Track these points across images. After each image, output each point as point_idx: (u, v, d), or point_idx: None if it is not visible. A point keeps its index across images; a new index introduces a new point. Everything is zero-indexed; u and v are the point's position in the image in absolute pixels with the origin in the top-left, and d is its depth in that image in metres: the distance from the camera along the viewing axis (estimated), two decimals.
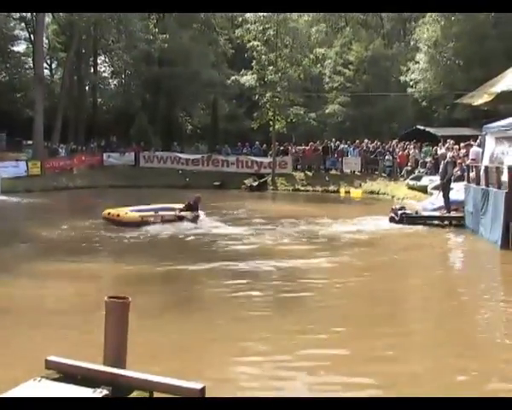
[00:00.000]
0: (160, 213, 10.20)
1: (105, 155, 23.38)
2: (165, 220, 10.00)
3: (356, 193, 19.95)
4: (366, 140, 22.96)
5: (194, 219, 10.11)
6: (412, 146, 20.94)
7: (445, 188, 11.07)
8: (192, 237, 9.08)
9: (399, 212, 10.82)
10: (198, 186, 20.87)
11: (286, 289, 5.53)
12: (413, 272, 7.29)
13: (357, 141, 23.04)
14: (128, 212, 10.42)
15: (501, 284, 6.44)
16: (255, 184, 21.43)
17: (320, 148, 23.09)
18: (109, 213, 10.41)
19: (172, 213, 10.32)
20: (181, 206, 10.72)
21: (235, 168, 23.14)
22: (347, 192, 20.33)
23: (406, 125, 23.80)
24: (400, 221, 10.64)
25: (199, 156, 23.90)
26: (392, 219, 10.83)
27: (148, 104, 26.95)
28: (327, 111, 26.82)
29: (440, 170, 11.69)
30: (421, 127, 21.81)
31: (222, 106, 27.76)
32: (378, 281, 6.19)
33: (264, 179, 22.01)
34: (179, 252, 8.03)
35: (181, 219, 10.08)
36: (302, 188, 21.52)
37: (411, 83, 24.31)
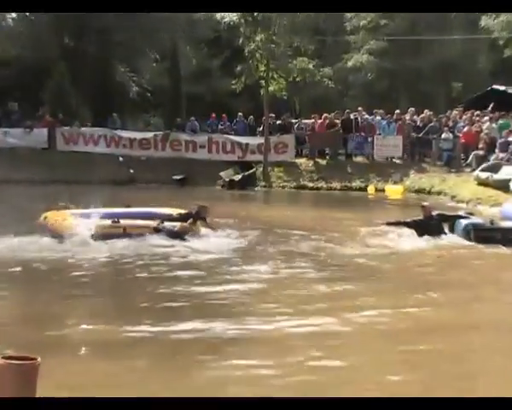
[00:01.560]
0: (125, 222, 10.54)
1: None
2: (130, 234, 10.35)
3: (394, 191, 20.35)
4: (411, 110, 23.18)
5: (177, 234, 10.50)
6: (486, 118, 21.25)
7: None
8: (153, 266, 9.02)
9: (463, 222, 11.29)
10: (149, 181, 21.20)
11: None
12: None
13: (397, 111, 23.22)
14: (70, 217, 10.76)
15: None
16: (238, 178, 21.77)
17: (339, 121, 23.33)
18: (45, 218, 10.82)
19: (151, 223, 10.66)
20: (175, 213, 11.32)
21: (207, 154, 23.48)
22: (379, 190, 20.77)
23: (476, 85, 24.36)
24: (467, 236, 11.05)
25: (150, 135, 24.15)
26: (451, 231, 11.47)
27: (70, 53, 26.31)
28: (349, 64, 27.84)
29: None
30: (501, 88, 22.19)
31: (186, 56, 28.08)
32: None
33: (251, 171, 22.39)
34: (110, 296, 7.90)
35: (157, 231, 10.53)
36: (310, 184, 21.86)
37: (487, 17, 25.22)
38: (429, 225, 11.08)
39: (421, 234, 11.04)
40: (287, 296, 7.59)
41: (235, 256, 9.70)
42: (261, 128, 23.67)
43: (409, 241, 10.99)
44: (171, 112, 26.65)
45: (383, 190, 20.50)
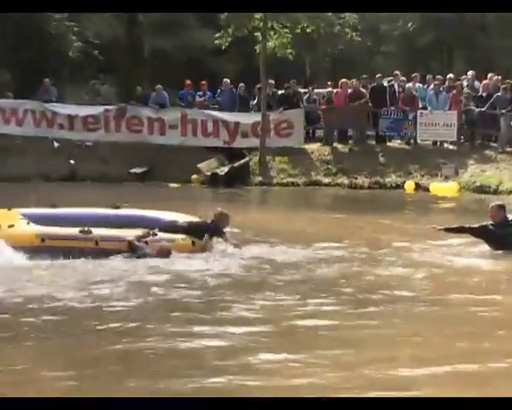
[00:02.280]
0: (99, 232, 10.88)
1: None
2: (104, 249, 10.64)
3: (445, 189, 20.37)
4: (470, 73, 23.31)
5: (160, 253, 10.69)
6: None
7: None
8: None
9: None
10: (96, 176, 21.20)
11: None
12: None
13: (450, 76, 23.47)
14: (22, 221, 11.18)
15: None
16: (223, 171, 21.77)
17: (366, 91, 23.35)
18: None
19: (128, 236, 10.86)
20: (182, 220, 11.63)
21: (179, 137, 23.55)
22: (422, 188, 20.83)
23: None
24: None
25: (98, 111, 24.25)
26: None
27: None
28: None
29: None
30: None
31: None
32: None
33: (242, 162, 22.37)
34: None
35: (133, 249, 10.76)
36: (326, 179, 21.95)
37: None
38: (505, 234, 11.10)
39: (495, 246, 11.16)
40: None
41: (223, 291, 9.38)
42: (255, 101, 23.64)
43: (480, 257, 11.10)
44: (128, 78, 27.00)
45: (428, 189, 20.65)
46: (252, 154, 22.60)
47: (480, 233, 11.23)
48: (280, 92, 23.85)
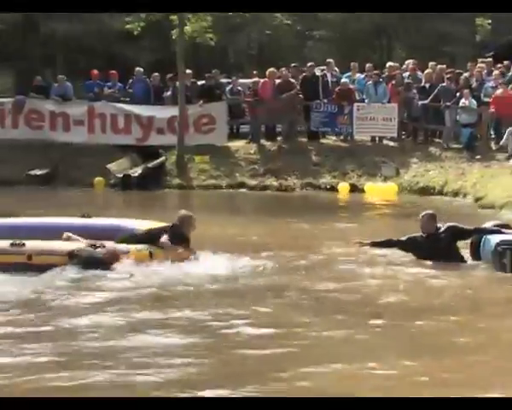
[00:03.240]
0: (32, 245, 10.80)
1: None
2: (37, 264, 10.55)
3: (384, 190, 20.25)
4: (410, 62, 23.25)
5: (99, 263, 10.56)
6: None
7: None
8: None
9: (494, 239, 10.99)
10: None
11: None
12: None
13: (390, 64, 23.51)
14: None
15: None
16: (136, 172, 21.41)
17: (296, 81, 22.94)
18: None
19: (69, 246, 10.81)
20: (142, 228, 11.61)
21: (86, 134, 23.00)
22: (357, 190, 20.61)
23: (505, 23, 25.96)
24: (501, 263, 10.73)
25: None
26: (474, 255, 11.40)
27: None
28: None
29: None
30: None
31: None
32: None
33: (158, 162, 22.18)
34: None
35: (71, 256, 10.56)
36: (253, 181, 21.66)
37: None
38: (435, 246, 11.09)
39: (424, 258, 11.14)
40: None
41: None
42: (169, 92, 23.07)
43: (404, 271, 10.92)
44: (25, 66, 26.38)
45: (363, 190, 20.54)
46: (168, 152, 22.10)
47: (409, 247, 11.17)
48: (200, 83, 23.30)
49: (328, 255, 12.12)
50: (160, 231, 11.33)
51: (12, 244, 10.69)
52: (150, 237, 11.22)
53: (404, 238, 11.26)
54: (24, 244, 10.71)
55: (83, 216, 11.91)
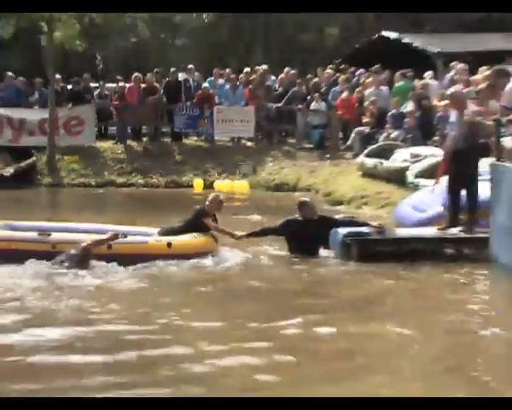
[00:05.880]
0: (58, 236, 11.03)
1: None
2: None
3: (237, 186, 20.65)
4: (262, 68, 23.78)
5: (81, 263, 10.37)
6: (370, 79, 21.87)
7: (470, 176, 11.71)
8: None
9: (340, 231, 11.26)
10: None
11: None
12: None
13: (247, 70, 24.01)
14: None
15: None
16: (8, 172, 21.51)
17: (160, 86, 23.58)
18: None
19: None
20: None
21: None
22: (212, 187, 20.49)
23: (359, 32, 25.91)
24: (346, 252, 11.09)
25: None
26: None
27: None
28: None
29: (455, 135, 12.03)
30: (393, 35, 23.92)
31: None
32: None
33: (29, 162, 22.21)
34: None
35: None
36: (120, 179, 22.13)
37: None
38: (309, 231, 11.24)
39: (293, 247, 11.32)
40: None
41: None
42: (36, 96, 23.50)
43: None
44: None
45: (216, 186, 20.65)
46: (40, 153, 22.26)
47: (283, 231, 11.28)
48: (69, 87, 23.65)
49: None
50: (198, 217, 11.32)
51: (39, 234, 11.00)
52: (193, 224, 11.24)
53: (278, 223, 11.45)
54: (50, 234, 11.00)
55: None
